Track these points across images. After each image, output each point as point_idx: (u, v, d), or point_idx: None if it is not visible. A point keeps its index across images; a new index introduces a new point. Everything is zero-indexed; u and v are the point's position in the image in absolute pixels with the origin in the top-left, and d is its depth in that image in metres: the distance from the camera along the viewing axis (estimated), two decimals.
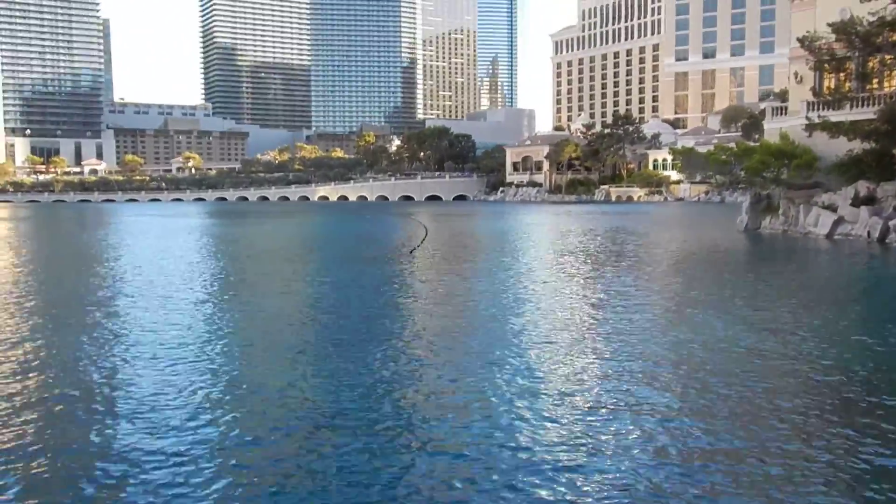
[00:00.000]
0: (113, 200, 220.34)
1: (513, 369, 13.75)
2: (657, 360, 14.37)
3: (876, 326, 17.93)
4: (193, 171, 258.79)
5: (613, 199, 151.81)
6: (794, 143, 50.89)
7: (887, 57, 47.85)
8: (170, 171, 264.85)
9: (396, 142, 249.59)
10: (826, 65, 50.57)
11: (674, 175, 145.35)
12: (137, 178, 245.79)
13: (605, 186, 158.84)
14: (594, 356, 14.82)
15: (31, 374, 13.88)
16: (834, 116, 48.37)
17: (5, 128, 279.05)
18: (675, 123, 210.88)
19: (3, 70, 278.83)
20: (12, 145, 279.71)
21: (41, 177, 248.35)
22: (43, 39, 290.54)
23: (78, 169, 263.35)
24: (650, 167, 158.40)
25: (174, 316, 20.03)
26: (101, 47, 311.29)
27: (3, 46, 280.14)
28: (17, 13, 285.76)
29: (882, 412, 11.18)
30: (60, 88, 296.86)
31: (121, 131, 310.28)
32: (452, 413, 11.30)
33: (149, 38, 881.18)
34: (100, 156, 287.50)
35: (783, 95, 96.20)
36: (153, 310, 21.10)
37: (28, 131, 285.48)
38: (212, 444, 10.12)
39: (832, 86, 51.94)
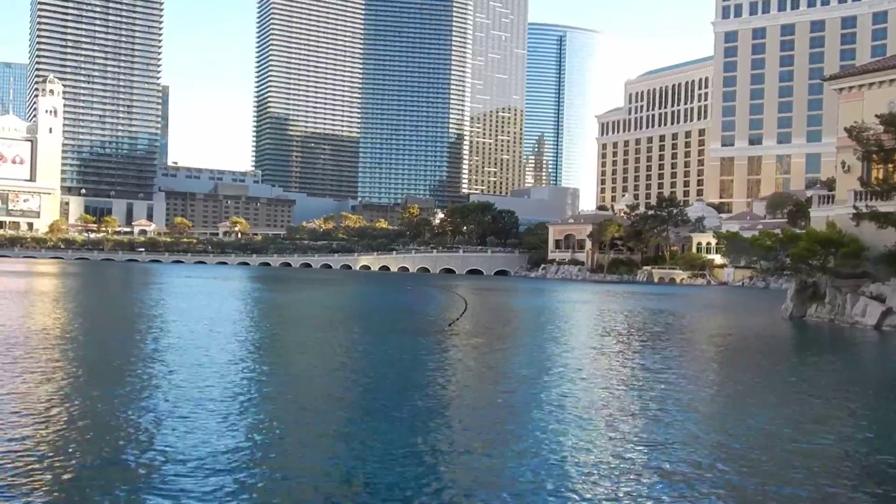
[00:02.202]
0: (159, 261, 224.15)
1: (547, 455, 13.45)
2: (695, 449, 13.98)
3: None
4: (240, 235, 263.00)
5: (656, 280, 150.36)
6: (841, 232, 50.22)
7: None
8: (217, 234, 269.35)
9: (440, 215, 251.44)
10: (874, 155, 50.15)
11: (717, 259, 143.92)
12: (185, 239, 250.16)
13: (648, 267, 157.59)
14: (630, 443, 14.47)
15: (61, 430, 13.94)
16: (882, 207, 47.75)
17: (62, 186, 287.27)
18: (720, 208, 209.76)
19: (64, 131, 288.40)
20: (67, 203, 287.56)
21: (92, 235, 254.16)
22: (104, 103, 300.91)
23: (128, 229, 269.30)
24: (694, 250, 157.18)
25: (210, 378, 20.07)
26: (159, 113, 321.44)
27: (67, 109, 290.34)
28: (82, 78, 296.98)
29: None
30: (117, 151, 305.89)
31: (172, 194, 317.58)
32: (478, 494, 11.06)
33: (205, 106, 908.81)
34: (150, 217, 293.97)
35: (830, 184, 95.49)
36: (190, 372, 21.18)
37: (83, 191, 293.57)
38: None
39: (880, 176, 51.40)
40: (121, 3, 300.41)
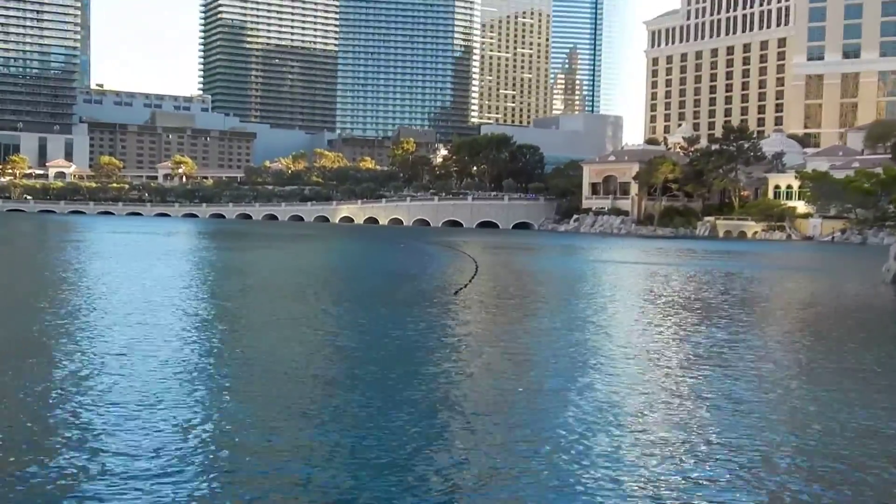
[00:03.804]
0: (83, 212, 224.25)
1: (573, 459, 13.44)
2: (773, 449, 13.98)
3: None
4: (185, 179, 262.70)
5: (721, 234, 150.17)
6: None
7: None
8: (155, 178, 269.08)
9: (443, 152, 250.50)
10: None
11: (801, 206, 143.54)
12: (115, 185, 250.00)
13: (711, 218, 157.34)
14: (689, 443, 14.45)
15: None
16: None
17: None
18: (805, 140, 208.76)
19: None
20: None
21: None
22: (7, 10, 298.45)
23: (42, 171, 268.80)
24: (770, 195, 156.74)
25: (151, 364, 20.07)
26: (79, 22, 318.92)
27: None
28: None
29: None
30: (24, 71, 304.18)
31: (97, 126, 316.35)
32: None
33: (137, 13, 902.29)
34: (69, 156, 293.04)
35: None
36: (124, 355, 21.18)
37: None
38: None
39: None
40: None
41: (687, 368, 21.53)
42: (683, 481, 12.32)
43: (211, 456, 12.98)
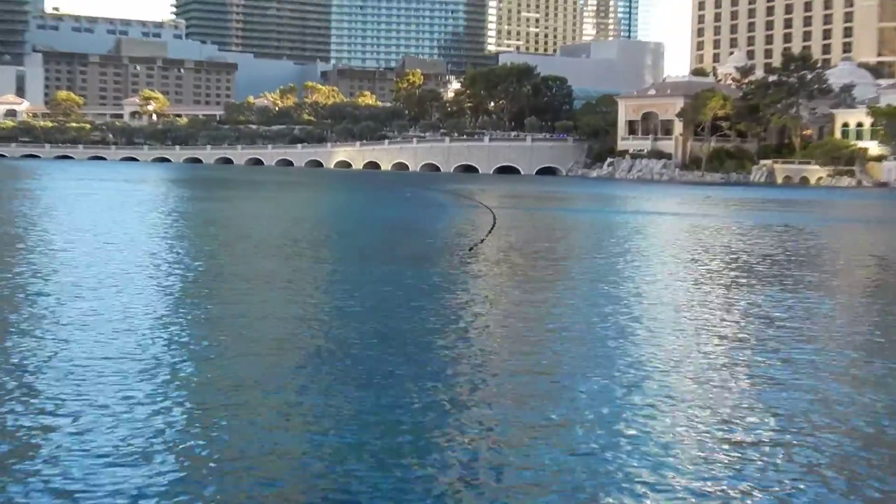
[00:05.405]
0: (38, 156, 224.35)
1: (597, 436, 13.55)
2: (838, 428, 14.08)
3: None
4: (155, 117, 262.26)
5: (779, 180, 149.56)
6: None
7: None
8: (121, 116, 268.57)
9: (455, 85, 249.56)
10: None
11: (873, 148, 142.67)
12: (74, 125, 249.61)
13: (768, 161, 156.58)
14: (739, 423, 14.56)
15: None
16: None
17: None
18: (878, 70, 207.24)
19: None
20: None
21: None
22: None
23: None
24: (837, 135, 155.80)
25: (125, 334, 20.21)
26: None
27: None
28: None
29: None
30: None
31: (52, 56, 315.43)
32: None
33: None
34: (21, 90, 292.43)
35: None
36: (89, 321, 21.32)
37: None
38: None
39: None
40: None
41: (737, 335, 21.58)
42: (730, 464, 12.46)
43: (193, 424, 13.16)
